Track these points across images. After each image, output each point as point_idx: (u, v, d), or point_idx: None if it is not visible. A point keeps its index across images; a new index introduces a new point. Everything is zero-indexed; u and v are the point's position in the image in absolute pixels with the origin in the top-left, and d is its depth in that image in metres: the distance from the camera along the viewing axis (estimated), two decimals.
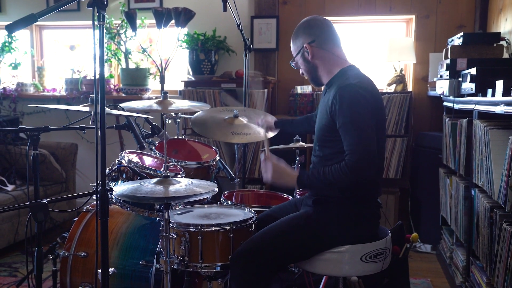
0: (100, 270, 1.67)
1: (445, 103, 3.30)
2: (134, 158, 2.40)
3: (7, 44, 4.35)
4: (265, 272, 1.86)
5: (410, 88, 4.02)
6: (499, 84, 2.09)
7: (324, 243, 1.88)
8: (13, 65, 4.44)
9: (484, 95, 2.37)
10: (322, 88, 2.16)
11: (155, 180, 1.87)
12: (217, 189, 1.85)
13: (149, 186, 1.80)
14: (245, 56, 2.97)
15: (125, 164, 2.22)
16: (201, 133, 2.57)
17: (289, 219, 1.95)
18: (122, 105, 2.33)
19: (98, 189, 1.63)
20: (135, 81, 4.13)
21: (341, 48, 2.03)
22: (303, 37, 2.00)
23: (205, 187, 1.83)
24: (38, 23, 4.23)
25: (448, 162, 3.15)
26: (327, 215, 1.91)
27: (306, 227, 1.89)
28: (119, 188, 1.79)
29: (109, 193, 1.67)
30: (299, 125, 2.46)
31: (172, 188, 1.78)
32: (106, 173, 2.10)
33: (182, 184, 1.83)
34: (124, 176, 2.22)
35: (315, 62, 2.00)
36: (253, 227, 2.01)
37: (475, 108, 2.44)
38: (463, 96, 2.75)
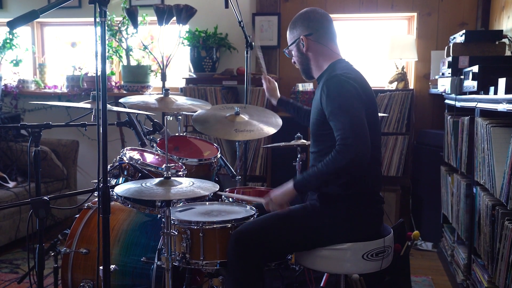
0: (101, 267, 1.67)
1: (446, 101, 3.29)
2: (136, 155, 2.40)
3: (8, 41, 4.35)
4: (261, 256, 1.86)
5: (411, 85, 4.01)
6: (502, 81, 2.08)
7: (327, 238, 1.89)
8: (14, 62, 4.43)
9: (486, 92, 2.36)
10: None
11: (156, 181, 1.87)
12: (218, 188, 1.85)
13: (150, 188, 1.80)
14: (247, 53, 2.97)
15: (127, 161, 2.22)
16: (204, 132, 2.56)
17: (294, 208, 1.95)
18: (122, 100, 2.32)
19: (100, 186, 1.63)
20: (136, 78, 4.13)
21: (336, 43, 2.04)
22: (301, 28, 2.02)
23: (207, 189, 1.83)
24: (39, 19, 4.23)
25: (450, 160, 3.15)
26: (332, 210, 1.90)
27: (310, 219, 1.89)
28: (120, 190, 1.79)
29: (110, 190, 1.67)
30: (304, 116, 2.44)
31: (173, 190, 1.78)
32: (108, 170, 2.10)
33: (183, 186, 1.83)
34: (125, 173, 2.22)
35: (308, 55, 2.02)
36: None
37: (477, 106, 2.43)
38: (465, 93, 2.74)
